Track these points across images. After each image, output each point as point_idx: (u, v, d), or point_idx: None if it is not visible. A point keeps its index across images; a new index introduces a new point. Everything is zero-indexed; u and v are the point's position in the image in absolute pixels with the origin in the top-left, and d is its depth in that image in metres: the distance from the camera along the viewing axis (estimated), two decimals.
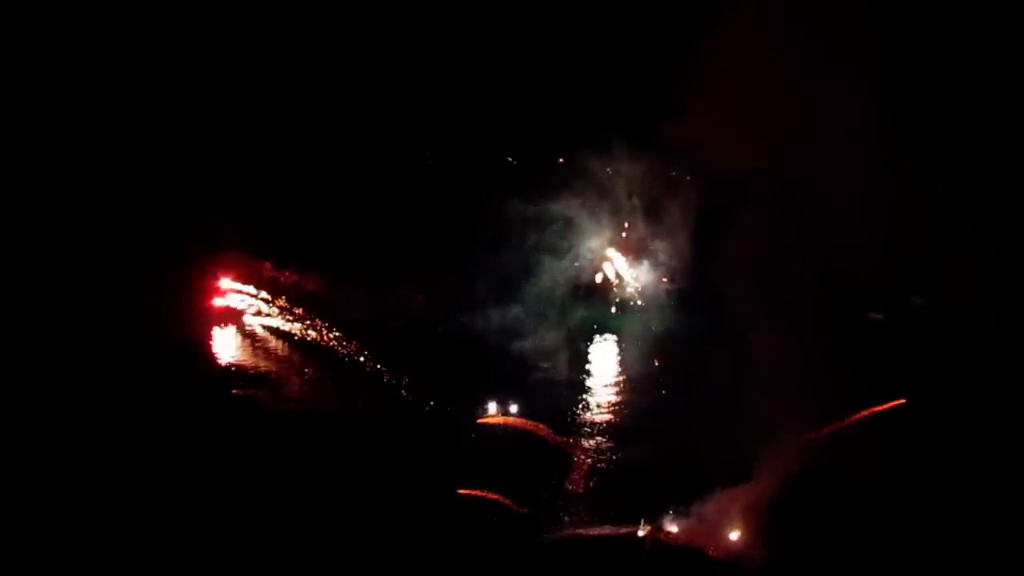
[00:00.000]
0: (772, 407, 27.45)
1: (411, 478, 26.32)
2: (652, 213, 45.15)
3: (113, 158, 43.26)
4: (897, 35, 32.97)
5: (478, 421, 29.80)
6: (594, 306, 45.91)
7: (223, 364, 35.96)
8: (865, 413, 30.99)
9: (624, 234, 46.40)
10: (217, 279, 42.54)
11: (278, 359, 37.03)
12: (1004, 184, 38.16)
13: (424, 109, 45.00)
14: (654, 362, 39.39)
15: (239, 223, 46.10)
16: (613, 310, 45.94)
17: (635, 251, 46.50)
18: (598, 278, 47.17)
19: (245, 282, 43.31)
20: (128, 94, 43.76)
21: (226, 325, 40.62)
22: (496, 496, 25.47)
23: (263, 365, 36.03)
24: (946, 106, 36.88)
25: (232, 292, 42.82)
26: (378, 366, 35.61)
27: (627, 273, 46.81)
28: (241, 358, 36.75)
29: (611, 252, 47.38)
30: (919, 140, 35.23)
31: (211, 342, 38.40)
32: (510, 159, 46.09)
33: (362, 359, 36.49)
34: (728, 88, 34.12)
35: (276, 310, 41.99)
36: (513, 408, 31.99)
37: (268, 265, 45.89)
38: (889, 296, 41.52)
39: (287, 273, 44.75)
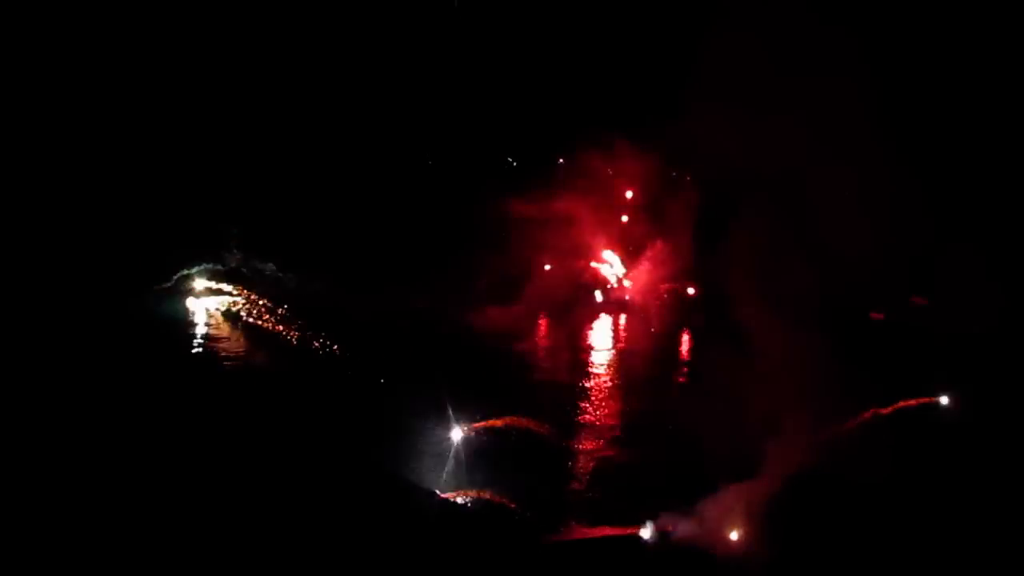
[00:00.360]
0: (776, 405, 26.80)
1: (411, 481, 25.61)
2: (652, 214, 44.76)
3: (119, 164, 42.89)
4: (897, 36, 32.45)
5: (480, 424, 29.11)
6: (594, 306, 45.50)
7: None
8: (867, 415, 30.42)
9: (624, 235, 46.07)
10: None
11: (276, 358, 36.32)
12: (1003, 185, 37.77)
13: (424, 112, 44.66)
14: (655, 361, 38.83)
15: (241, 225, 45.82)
16: (611, 310, 45.52)
17: (635, 252, 46.11)
18: (597, 280, 46.80)
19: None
20: (135, 100, 43.42)
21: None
22: (498, 498, 24.79)
23: (258, 363, 35.34)
24: (946, 107, 36.44)
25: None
26: (377, 369, 34.89)
27: (626, 273, 46.40)
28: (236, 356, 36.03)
29: (609, 254, 46.99)
30: (919, 141, 34.75)
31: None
32: (510, 160, 45.77)
33: (362, 361, 35.81)
34: (728, 88, 33.46)
35: (271, 314, 41.31)
36: (514, 409, 31.26)
37: (272, 266, 45.46)
38: (890, 296, 41.13)
39: (289, 275, 44.31)
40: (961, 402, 31.58)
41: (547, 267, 44.72)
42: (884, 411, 30.80)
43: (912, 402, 31.24)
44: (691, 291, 44.34)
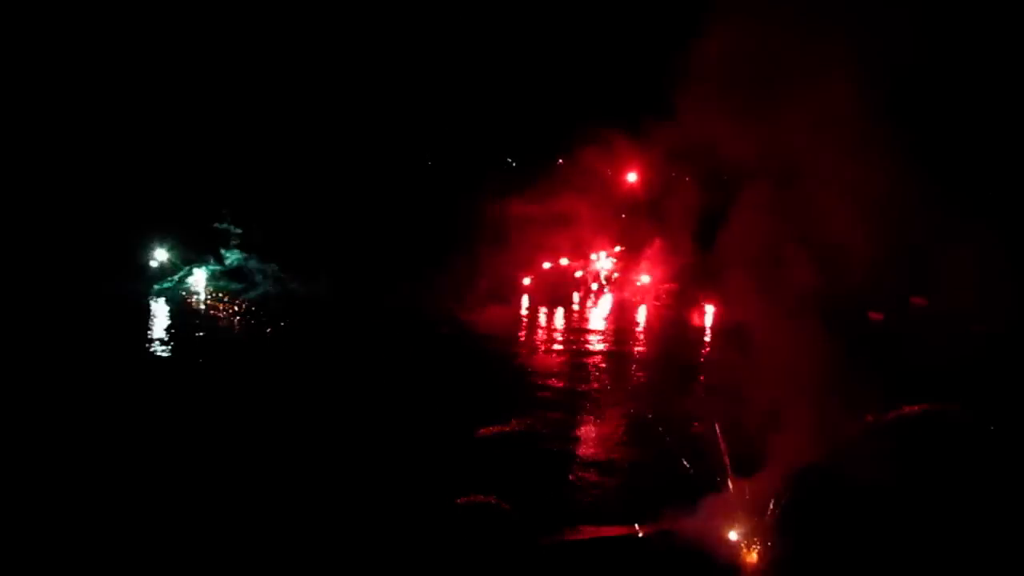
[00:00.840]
0: (779, 405, 25.73)
1: (409, 485, 24.60)
2: (652, 213, 44.02)
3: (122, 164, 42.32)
4: (897, 31, 31.38)
5: (481, 432, 28.15)
6: (594, 306, 44.82)
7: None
8: (869, 417, 29.31)
9: (623, 234, 45.33)
10: None
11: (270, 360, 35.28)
12: (1006, 182, 36.86)
13: (424, 112, 44.08)
14: (656, 361, 37.94)
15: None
16: (612, 309, 44.75)
17: (635, 251, 45.40)
18: (595, 278, 46.08)
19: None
20: (138, 101, 42.88)
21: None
22: (496, 500, 23.72)
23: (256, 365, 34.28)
24: (947, 103, 35.46)
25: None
26: (378, 371, 33.89)
27: (625, 273, 45.67)
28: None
29: (604, 254, 46.30)
30: (920, 138, 33.75)
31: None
32: (509, 160, 45.08)
33: (362, 363, 34.82)
34: (726, 83, 32.42)
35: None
36: (513, 411, 30.29)
37: (274, 266, 44.82)
38: (889, 296, 40.22)
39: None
40: (964, 406, 30.50)
41: (546, 266, 43.99)
42: (886, 415, 29.76)
43: (915, 407, 30.17)
44: (711, 307, 42.65)
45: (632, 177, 43.97)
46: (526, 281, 43.93)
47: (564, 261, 44.43)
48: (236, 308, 41.57)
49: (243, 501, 22.44)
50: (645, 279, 44.95)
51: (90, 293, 38.49)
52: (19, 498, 21.35)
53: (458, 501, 23.34)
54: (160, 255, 42.70)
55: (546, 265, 44.61)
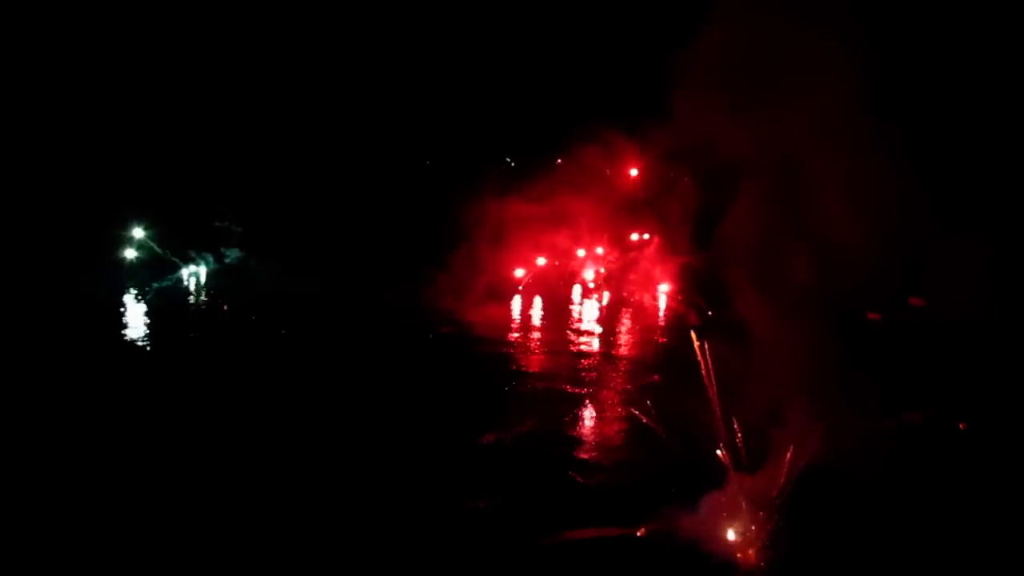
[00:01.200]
0: (779, 405, 25.66)
1: (416, 487, 24.52)
2: (650, 211, 44.00)
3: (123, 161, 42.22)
4: (897, 30, 31.33)
5: (484, 435, 28.05)
6: (593, 306, 44.69)
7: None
8: (870, 422, 29.23)
9: (622, 234, 45.26)
10: None
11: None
12: (1004, 182, 36.75)
13: (422, 112, 44.02)
14: (654, 360, 37.80)
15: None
16: (611, 309, 44.68)
17: (632, 250, 45.32)
18: (594, 277, 45.98)
19: None
20: (141, 102, 42.78)
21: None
22: (496, 501, 23.70)
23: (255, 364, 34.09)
24: (946, 102, 35.40)
25: None
26: (382, 372, 33.77)
27: (624, 272, 45.58)
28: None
29: (606, 252, 46.23)
30: (918, 136, 33.70)
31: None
32: (508, 159, 45.03)
33: (365, 365, 34.69)
34: (723, 82, 32.37)
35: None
36: (514, 413, 30.22)
37: (275, 265, 44.68)
38: (887, 296, 40.10)
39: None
40: (962, 409, 30.41)
41: (542, 263, 43.86)
42: (886, 418, 29.65)
43: (918, 415, 30.08)
44: (709, 307, 42.67)
45: (632, 174, 43.92)
46: (524, 281, 43.84)
47: (552, 260, 44.30)
48: (236, 307, 41.42)
49: (257, 500, 22.40)
50: (664, 287, 44.59)
51: (93, 292, 38.40)
52: (19, 498, 21.33)
53: (465, 504, 23.37)
54: (161, 253, 42.65)
55: (543, 263, 44.53)
